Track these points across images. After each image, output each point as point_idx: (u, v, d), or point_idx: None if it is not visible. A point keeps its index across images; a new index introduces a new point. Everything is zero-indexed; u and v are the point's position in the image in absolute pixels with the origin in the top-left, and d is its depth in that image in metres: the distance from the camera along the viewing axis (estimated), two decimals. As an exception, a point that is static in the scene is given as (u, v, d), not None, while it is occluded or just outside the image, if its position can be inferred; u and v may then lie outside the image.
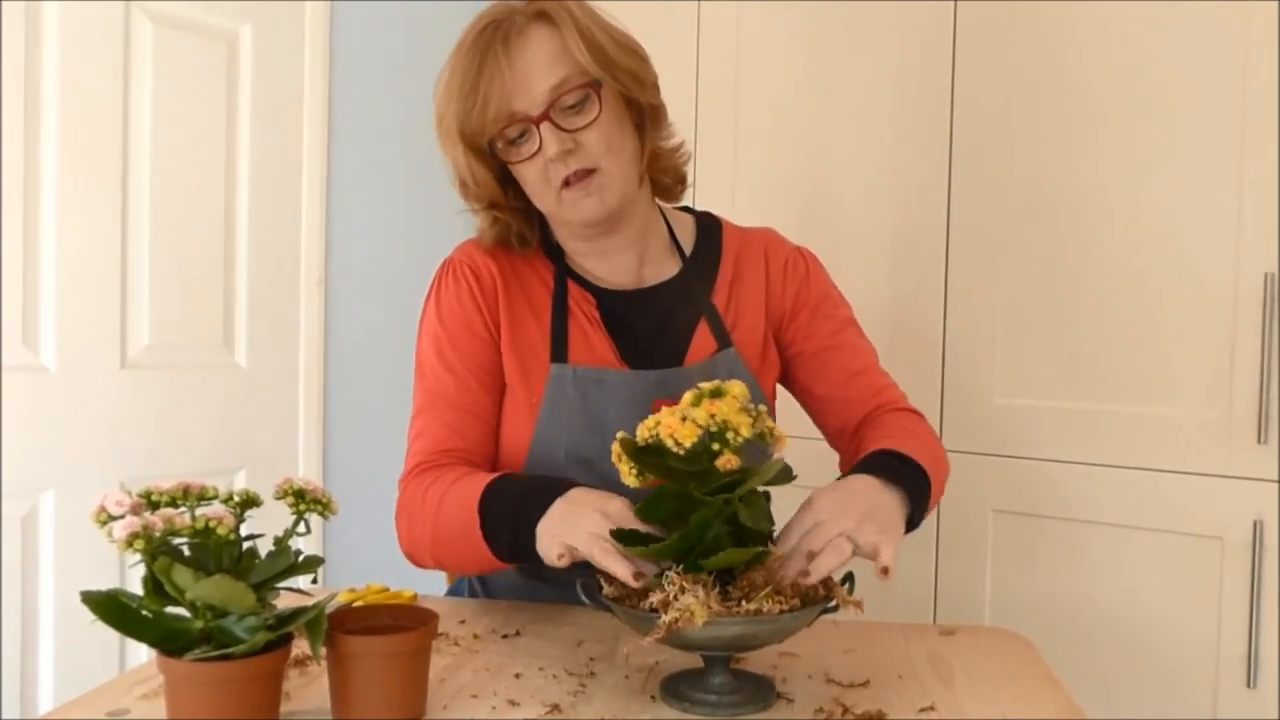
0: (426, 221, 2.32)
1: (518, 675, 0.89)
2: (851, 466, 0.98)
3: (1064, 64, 1.64)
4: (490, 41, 0.99)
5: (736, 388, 0.81)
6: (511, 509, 0.93)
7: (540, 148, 1.01)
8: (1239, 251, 1.48)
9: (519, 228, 1.12)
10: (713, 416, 0.77)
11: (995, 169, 1.70)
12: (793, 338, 1.17)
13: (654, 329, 1.12)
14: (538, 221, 1.14)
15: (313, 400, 2.13)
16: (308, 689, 0.85)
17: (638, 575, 0.79)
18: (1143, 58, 1.57)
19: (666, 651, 0.94)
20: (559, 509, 0.90)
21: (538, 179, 1.04)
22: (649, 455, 0.80)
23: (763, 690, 0.84)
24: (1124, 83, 1.58)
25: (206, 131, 1.93)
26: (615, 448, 0.81)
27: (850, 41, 1.86)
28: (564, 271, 1.13)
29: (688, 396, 0.81)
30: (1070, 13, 1.63)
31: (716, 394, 0.80)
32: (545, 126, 1.00)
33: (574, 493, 0.91)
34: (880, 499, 0.91)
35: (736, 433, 0.77)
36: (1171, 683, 1.53)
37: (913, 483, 0.96)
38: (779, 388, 1.22)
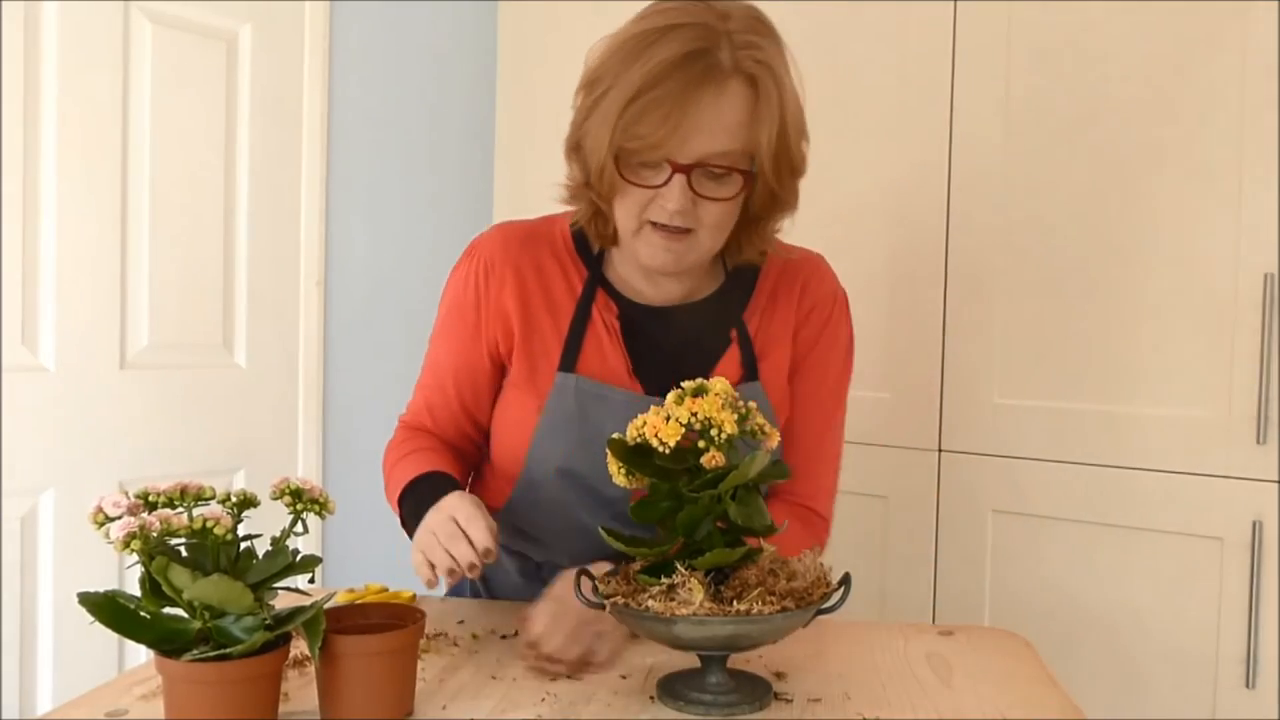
0: (426, 221, 2.32)
1: (516, 676, 0.89)
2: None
3: (1064, 65, 1.64)
4: (701, 80, 0.91)
5: (719, 385, 0.81)
6: (411, 512, 1.02)
7: (663, 186, 0.95)
8: (1239, 251, 1.48)
9: (610, 218, 1.04)
10: (694, 414, 0.77)
11: (995, 168, 1.70)
12: (810, 390, 1.13)
13: (678, 347, 1.08)
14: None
15: (312, 400, 2.13)
16: (307, 689, 0.85)
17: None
18: (1142, 57, 1.57)
19: (665, 652, 0.94)
20: (425, 520, 0.96)
21: (634, 205, 0.98)
22: (639, 455, 0.80)
23: (759, 690, 0.84)
24: (1123, 82, 1.58)
25: (206, 131, 1.93)
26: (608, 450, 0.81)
27: (850, 41, 1.86)
28: (596, 279, 1.09)
29: (671, 396, 0.81)
30: (1070, 13, 1.63)
31: (699, 392, 0.80)
32: (680, 179, 0.94)
33: (440, 504, 0.97)
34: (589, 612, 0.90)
35: (721, 429, 0.77)
36: (1171, 683, 1.53)
37: None
38: None
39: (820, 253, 1.18)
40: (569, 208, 1.09)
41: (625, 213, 1.00)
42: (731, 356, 1.08)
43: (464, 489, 1.04)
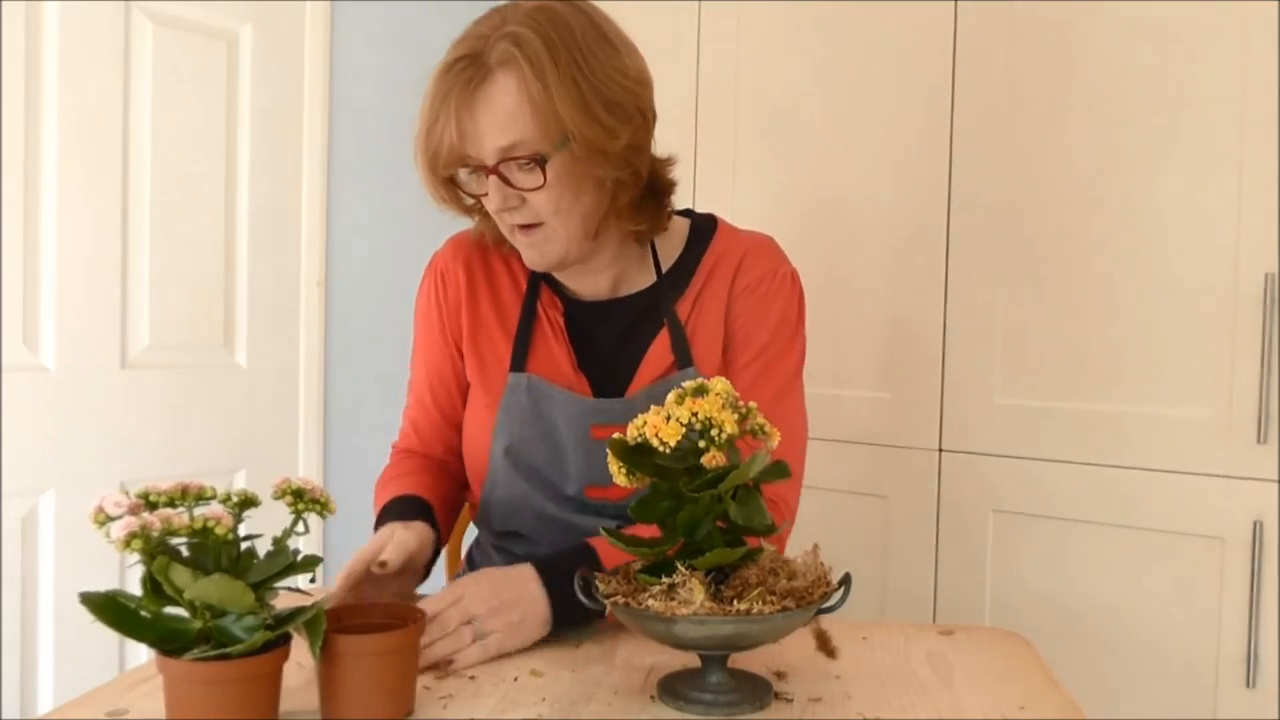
0: (426, 222, 2.32)
1: (516, 678, 0.89)
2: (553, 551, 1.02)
3: (1064, 64, 1.64)
4: (454, 84, 0.96)
5: (720, 385, 0.81)
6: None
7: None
8: (1239, 251, 1.48)
9: (495, 234, 1.11)
10: (695, 414, 0.77)
11: (995, 169, 1.70)
12: (726, 368, 1.12)
13: (615, 340, 1.12)
14: None
15: (313, 400, 2.13)
16: (307, 689, 0.85)
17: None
18: (1143, 58, 1.57)
19: (665, 652, 0.94)
20: None
21: (494, 214, 1.04)
22: (640, 455, 0.80)
23: (760, 690, 0.84)
24: (1124, 83, 1.58)
25: (206, 131, 1.93)
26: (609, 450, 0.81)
27: (850, 42, 1.86)
28: (539, 276, 1.14)
29: (671, 395, 0.81)
30: (1070, 13, 1.63)
31: (700, 391, 0.80)
32: (492, 180, 0.99)
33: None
34: (525, 591, 0.95)
35: (721, 429, 0.77)
36: (1171, 683, 1.53)
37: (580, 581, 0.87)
38: None
39: (770, 235, 1.17)
40: None
41: (496, 222, 1.06)
42: (662, 343, 1.09)
43: (434, 509, 1.10)
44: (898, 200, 1.81)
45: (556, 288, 1.14)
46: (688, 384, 0.82)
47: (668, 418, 0.78)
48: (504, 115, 0.96)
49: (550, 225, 1.02)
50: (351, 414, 2.21)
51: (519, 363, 1.11)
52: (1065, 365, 1.64)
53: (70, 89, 1.72)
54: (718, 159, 2.01)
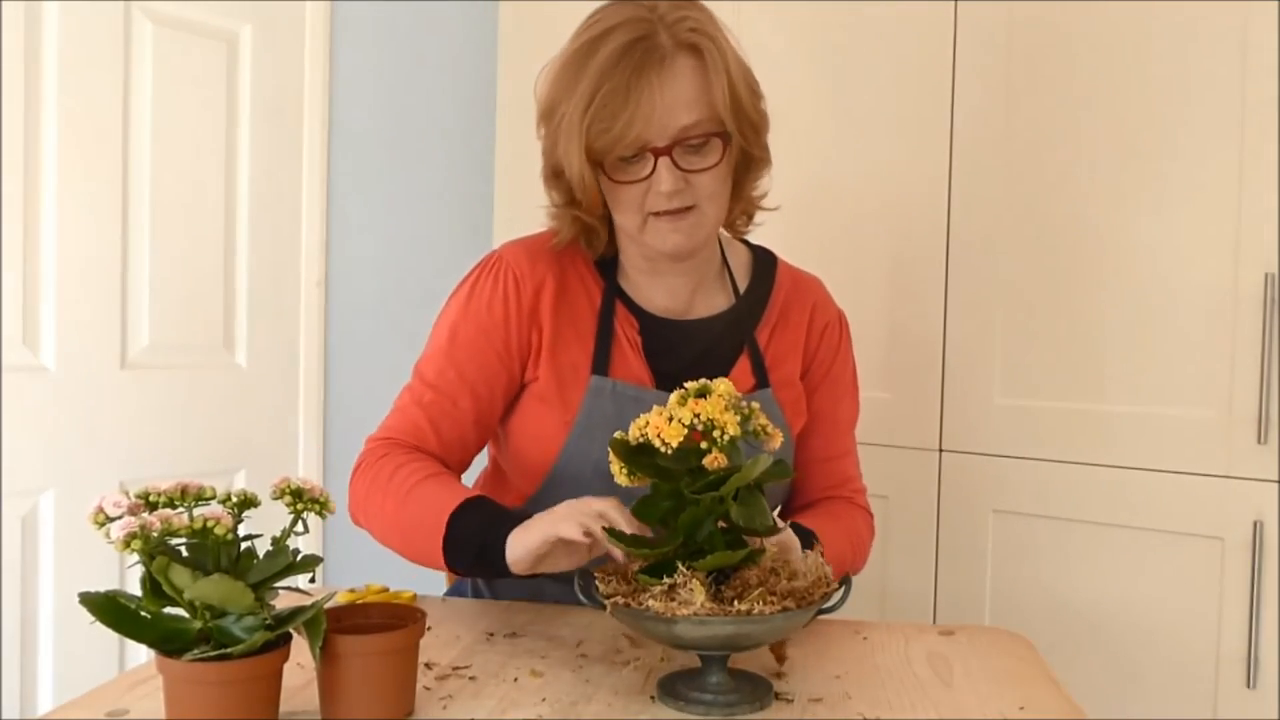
0: (426, 221, 2.32)
1: (516, 678, 0.89)
2: None
3: (1064, 65, 1.64)
4: (643, 64, 0.96)
5: (723, 386, 0.81)
6: (484, 525, 0.95)
7: (650, 175, 0.99)
8: (1239, 251, 1.48)
9: (599, 230, 1.10)
10: (697, 415, 0.78)
11: (995, 169, 1.70)
12: (819, 401, 1.20)
13: (693, 359, 1.12)
14: (608, 227, 1.11)
15: (313, 400, 2.13)
16: (307, 689, 0.85)
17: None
18: (1143, 58, 1.57)
19: (665, 652, 0.94)
20: (541, 515, 0.92)
21: (632, 201, 1.02)
22: (642, 455, 0.80)
23: (760, 690, 0.84)
24: (1124, 82, 1.58)
25: (206, 131, 1.93)
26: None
27: (850, 42, 1.86)
28: (613, 291, 1.12)
29: (674, 396, 0.81)
30: (1070, 13, 1.63)
31: (702, 393, 0.80)
32: (664, 162, 0.98)
33: (556, 507, 0.92)
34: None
35: (723, 431, 0.77)
36: (1171, 683, 1.53)
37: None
38: None
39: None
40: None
41: (625, 213, 1.04)
42: (743, 367, 1.12)
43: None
44: (898, 200, 1.81)
45: (630, 304, 1.13)
46: (690, 385, 0.82)
47: (670, 418, 0.78)
48: (691, 94, 0.98)
49: (702, 208, 1.02)
50: (351, 414, 2.20)
51: (601, 368, 1.08)
52: (1065, 365, 1.64)
53: (70, 89, 1.72)
54: (718, 159, 2.00)
